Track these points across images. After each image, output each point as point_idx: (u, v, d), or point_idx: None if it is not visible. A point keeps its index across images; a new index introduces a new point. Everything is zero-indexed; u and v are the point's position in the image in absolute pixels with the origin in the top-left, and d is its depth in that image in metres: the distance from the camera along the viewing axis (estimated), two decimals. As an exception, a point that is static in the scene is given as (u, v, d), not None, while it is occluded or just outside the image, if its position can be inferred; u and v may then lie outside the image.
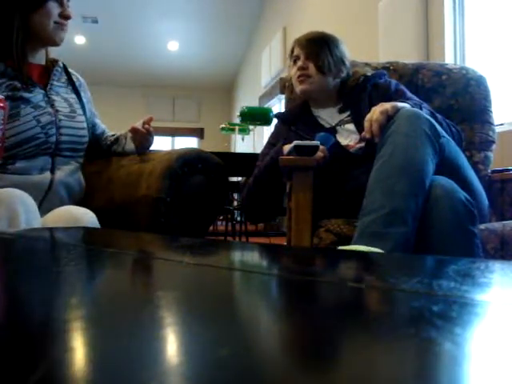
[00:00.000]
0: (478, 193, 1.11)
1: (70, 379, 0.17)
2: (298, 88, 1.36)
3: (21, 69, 1.10)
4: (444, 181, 0.94)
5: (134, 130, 1.24)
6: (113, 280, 0.41)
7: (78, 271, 0.45)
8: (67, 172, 1.15)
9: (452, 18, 2.51)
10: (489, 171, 1.44)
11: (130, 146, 1.28)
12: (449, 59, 2.46)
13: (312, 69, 1.33)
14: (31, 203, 0.94)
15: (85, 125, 1.20)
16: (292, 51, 1.40)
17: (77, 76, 1.30)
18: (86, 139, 1.22)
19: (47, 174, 1.10)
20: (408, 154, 0.94)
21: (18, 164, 1.06)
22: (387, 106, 1.04)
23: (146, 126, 1.22)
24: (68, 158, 1.16)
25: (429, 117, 1.00)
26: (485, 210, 1.15)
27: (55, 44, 1.16)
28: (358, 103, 1.30)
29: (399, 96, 1.28)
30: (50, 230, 0.89)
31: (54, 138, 1.11)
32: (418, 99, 1.27)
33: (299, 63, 1.35)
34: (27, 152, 1.07)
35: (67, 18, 1.15)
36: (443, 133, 1.02)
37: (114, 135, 1.34)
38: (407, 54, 2.43)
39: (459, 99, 1.48)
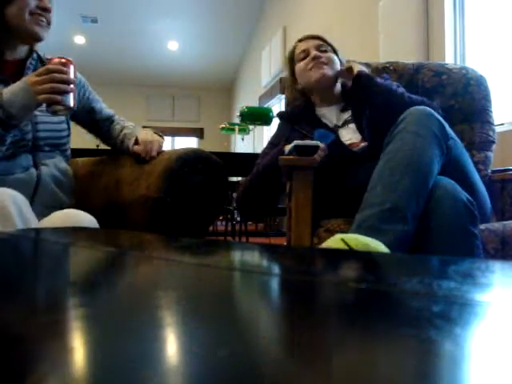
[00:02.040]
0: (481, 195, 1.11)
1: (70, 379, 0.17)
2: (318, 73, 1.35)
3: None
4: (446, 181, 0.94)
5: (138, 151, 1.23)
6: (113, 280, 0.41)
7: (77, 271, 0.45)
8: (52, 165, 1.13)
9: (452, 18, 2.51)
10: (489, 171, 1.44)
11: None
12: (449, 59, 2.46)
13: (326, 57, 1.36)
14: (23, 202, 0.92)
15: (63, 118, 1.17)
16: (292, 53, 1.42)
17: None
18: (67, 133, 1.20)
19: (32, 171, 1.08)
20: (414, 153, 0.94)
21: (0, 165, 1.04)
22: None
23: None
24: (49, 152, 1.13)
25: (439, 117, 1.00)
26: (487, 212, 1.15)
27: (34, 38, 1.11)
28: (360, 103, 1.31)
29: None
30: (49, 230, 0.89)
31: (30, 135, 1.08)
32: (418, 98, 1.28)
33: (313, 53, 1.36)
34: (5, 152, 1.04)
35: (44, 10, 1.09)
36: (452, 134, 1.03)
37: (126, 129, 1.29)
38: (407, 54, 2.43)
39: (459, 99, 1.48)
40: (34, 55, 1.19)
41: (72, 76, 1.01)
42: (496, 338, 0.23)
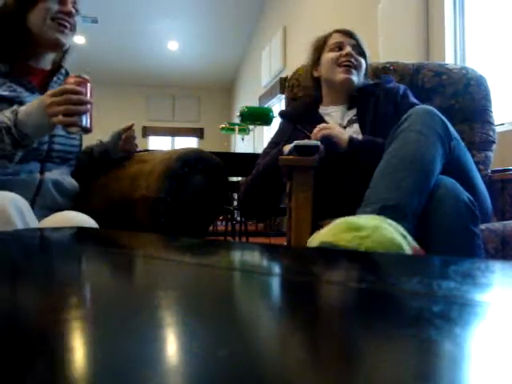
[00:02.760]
0: (482, 195, 1.11)
1: (70, 379, 0.17)
2: (343, 76, 1.32)
3: (21, 73, 1.07)
4: (448, 181, 0.94)
5: (126, 139, 1.26)
6: (113, 280, 0.41)
7: (77, 271, 0.45)
8: (57, 173, 1.13)
9: (452, 18, 2.51)
10: (489, 171, 1.44)
11: (117, 154, 1.30)
12: (449, 59, 2.46)
13: (358, 61, 1.34)
14: (24, 205, 0.91)
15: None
16: (324, 40, 1.39)
17: None
18: (78, 149, 1.21)
19: (36, 175, 1.08)
20: (418, 151, 0.94)
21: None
22: (338, 133, 1.19)
23: (129, 132, 1.27)
24: (58, 164, 1.14)
25: (443, 117, 1.01)
26: (488, 212, 1.15)
27: (55, 44, 1.08)
28: (366, 106, 1.31)
29: (402, 98, 1.29)
30: (49, 230, 0.89)
31: (45, 146, 1.09)
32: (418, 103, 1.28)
33: (347, 50, 1.33)
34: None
35: (66, 13, 1.07)
36: (455, 134, 1.03)
37: (100, 145, 1.32)
38: (407, 54, 2.43)
39: (459, 99, 1.48)
40: (63, 71, 1.18)
41: (88, 96, 0.99)
42: (496, 337, 0.23)
